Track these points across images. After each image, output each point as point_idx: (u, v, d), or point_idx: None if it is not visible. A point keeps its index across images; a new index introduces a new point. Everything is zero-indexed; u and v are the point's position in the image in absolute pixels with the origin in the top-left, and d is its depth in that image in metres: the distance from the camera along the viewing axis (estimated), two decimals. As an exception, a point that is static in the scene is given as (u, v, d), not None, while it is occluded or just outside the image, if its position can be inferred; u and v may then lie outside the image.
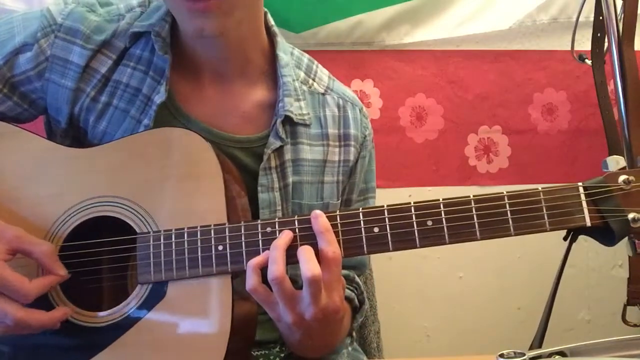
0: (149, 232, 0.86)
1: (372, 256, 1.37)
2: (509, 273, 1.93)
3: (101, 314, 0.86)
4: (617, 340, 0.79)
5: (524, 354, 0.69)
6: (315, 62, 1.10)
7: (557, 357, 0.76)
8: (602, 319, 1.95)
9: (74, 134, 1.00)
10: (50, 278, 0.83)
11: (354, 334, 1.09)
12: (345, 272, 1.04)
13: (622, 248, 1.10)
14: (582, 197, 0.81)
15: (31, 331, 0.82)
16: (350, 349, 1.07)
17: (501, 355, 0.69)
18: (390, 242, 0.82)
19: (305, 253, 0.79)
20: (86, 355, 0.84)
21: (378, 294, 1.46)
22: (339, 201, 1.05)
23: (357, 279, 1.06)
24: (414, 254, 1.88)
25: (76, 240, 0.88)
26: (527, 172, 1.90)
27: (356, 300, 1.04)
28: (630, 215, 0.79)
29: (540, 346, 0.85)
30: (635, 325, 1.47)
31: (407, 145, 1.87)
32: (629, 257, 1.44)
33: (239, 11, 0.91)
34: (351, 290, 1.04)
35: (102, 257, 0.88)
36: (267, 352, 1.01)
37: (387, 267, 1.78)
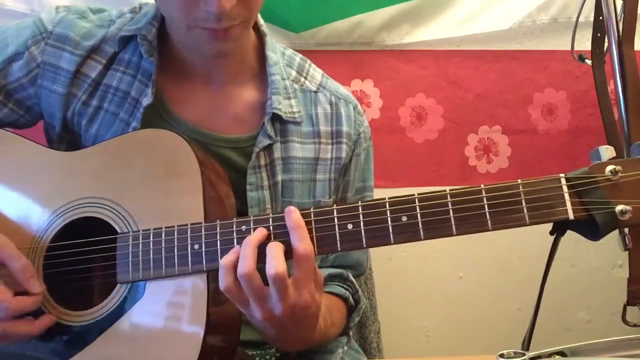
0: (128, 232, 0.87)
1: (372, 256, 1.37)
2: (509, 273, 1.93)
3: (83, 313, 0.87)
4: (617, 340, 0.78)
5: (524, 354, 0.69)
6: (309, 61, 1.10)
7: (557, 357, 0.76)
8: (602, 319, 1.94)
9: (69, 139, 1.01)
10: (32, 299, 0.85)
11: (350, 333, 1.09)
12: (339, 270, 1.04)
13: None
14: (564, 188, 0.77)
15: (18, 340, 0.84)
16: (345, 348, 1.07)
17: (501, 355, 0.69)
18: (364, 239, 0.80)
19: (272, 250, 0.79)
20: (67, 353, 0.86)
21: (378, 294, 1.46)
22: (332, 199, 1.04)
23: (351, 277, 1.05)
24: (414, 254, 1.88)
25: (63, 241, 0.90)
26: (527, 172, 1.90)
27: (351, 299, 1.03)
28: (618, 208, 0.75)
29: (528, 348, 0.84)
30: (635, 325, 1.47)
31: (407, 145, 1.87)
32: (629, 257, 1.44)
33: (250, 28, 0.96)
34: (345, 289, 1.03)
35: (87, 257, 0.90)
36: (262, 351, 1.01)
37: (387, 267, 1.78)
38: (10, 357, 0.89)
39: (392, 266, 1.83)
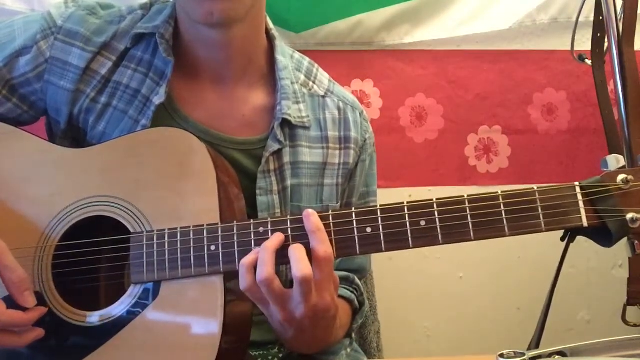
0: (142, 232, 0.86)
1: (373, 256, 1.37)
2: (509, 273, 1.93)
3: (95, 313, 0.86)
4: (617, 340, 0.78)
5: (524, 354, 0.69)
6: (316, 65, 1.10)
7: (557, 357, 0.76)
8: (602, 319, 1.94)
9: (74, 135, 1.00)
10: (26, 315, 0.82)
11: (353, 334, 1.09)
12: (345, 273, 1.04)
13: (622, 248, 1.11)
14: (579, 196, 0.79)
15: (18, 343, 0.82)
16: (349, 350, 1.07)
17: (501, 355, 0.69)
18: (382, 242, 0.81)
19: (296, 252, 0.79)
20: (80, 354, 0.85)
21: (378, 293, 1.46)
22: (339, 204, 1.05)
23: (357, 280, 1.06)
24: (414, 254, 1.88)
25: (72, 240, 0.89)
26: (527, 172, 1.90)
27: (356, 302, 1.04)
28: (629, 216, 0.78)
29: (537, 347, 0.84)
30: (635, 325, 1.47)
31: (407, 145, 1.87)
32: (629, 257, 1.44)
33: None
34: (351, 291, 1.04)
35: (98, 257, 0.89)
36: (265, 352, 1.01)
37: (387, 267, 1.77)
38: (19, 356, 0.88)
39: (392, 266, 1.82)
